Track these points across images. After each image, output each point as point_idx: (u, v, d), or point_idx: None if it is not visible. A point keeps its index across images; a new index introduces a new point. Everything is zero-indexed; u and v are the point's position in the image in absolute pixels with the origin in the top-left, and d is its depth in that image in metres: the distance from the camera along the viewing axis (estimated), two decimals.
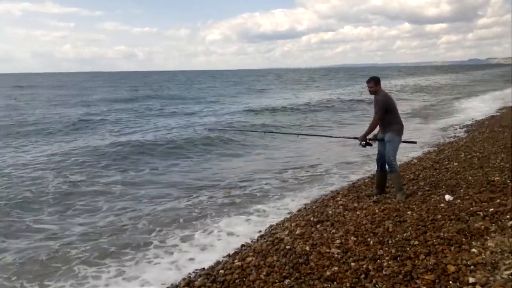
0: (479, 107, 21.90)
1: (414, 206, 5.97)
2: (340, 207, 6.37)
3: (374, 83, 6.30)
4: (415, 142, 7.13)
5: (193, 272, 4.78)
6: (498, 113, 17.76)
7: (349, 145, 11.21)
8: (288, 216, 6.54)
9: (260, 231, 5.96)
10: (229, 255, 5.12)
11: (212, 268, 4.74)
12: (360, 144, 6.48)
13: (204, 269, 4.78)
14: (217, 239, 5.83)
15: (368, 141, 6.43)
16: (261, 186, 8.36)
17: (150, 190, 8.41)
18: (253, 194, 7.91)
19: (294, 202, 7.28)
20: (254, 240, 5.59)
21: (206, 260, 5.08)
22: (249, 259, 4.75)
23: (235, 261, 4.76)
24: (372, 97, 6.42)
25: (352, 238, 4.99)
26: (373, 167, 9.01)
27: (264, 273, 4.34)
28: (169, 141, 13.41)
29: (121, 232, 6.25)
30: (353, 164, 9.73)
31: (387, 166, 6.45)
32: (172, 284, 4.59)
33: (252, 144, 13.04)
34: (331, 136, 9.06)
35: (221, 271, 4.55)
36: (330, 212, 6.17)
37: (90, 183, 8.86)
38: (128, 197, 7.94)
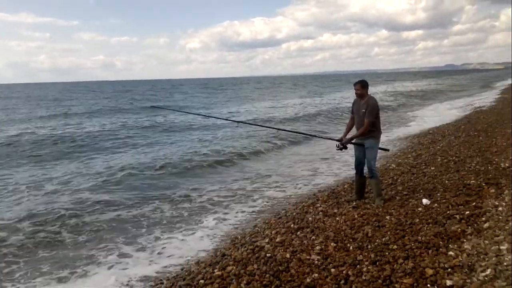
0: (454, 111, 22.33)
1: (392, 210, 6.04)
2: (320, 213, 6.39)
3: (360, 86, 6.34)
4: (387, 150, 7.22)
5: (172, 283, 4.72)
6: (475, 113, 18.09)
7: (301, 159, 11.65)
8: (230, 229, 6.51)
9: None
10: (210, 265, 5.06)
11: (192, 278, 4.68)
12: (338, 146, 6.52)
13: (184, 279, 4.72)
14: (157, 255, 5.70)
15: (345, 144, 6.49)
16: (210, 198, 8.25)
17: (96, 205, 8.01)
18: (202, 206, 7.77)
19: (237, 216, 7.17)
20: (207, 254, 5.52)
21: (146, 277, 5.00)
22: (229, 268, 4.72)
23: (215, 270, 4.72)
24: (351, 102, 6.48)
25: (332, 244, 5.02)
26: (319, 181, 9.07)
27: (245, 282, 4.33)
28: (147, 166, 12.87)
29: (62, 246, 6.12)
30: (301, 177, 9.62)
31: (366, 171, 6.52)
32: None
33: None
34: (315, 136, 9.10)
35: (201, 281, 4.51)
36: (310, 218, 6.19)
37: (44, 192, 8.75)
38: (74, 209, 7.68)
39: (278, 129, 9.86)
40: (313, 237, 5.34)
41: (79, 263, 5.52)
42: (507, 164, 7.84)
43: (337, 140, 6.61)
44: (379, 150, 6.53)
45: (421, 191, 6.91)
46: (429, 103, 30.73)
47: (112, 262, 5.52)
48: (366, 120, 6.23)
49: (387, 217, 5.77)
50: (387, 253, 4.56)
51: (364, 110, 6.26)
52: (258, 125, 13.70)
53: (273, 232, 5.80)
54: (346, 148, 6.53)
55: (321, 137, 8.35)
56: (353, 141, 6.46)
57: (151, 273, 5.11)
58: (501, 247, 4.25)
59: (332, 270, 4.34)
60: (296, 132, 11.58)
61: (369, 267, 4.28)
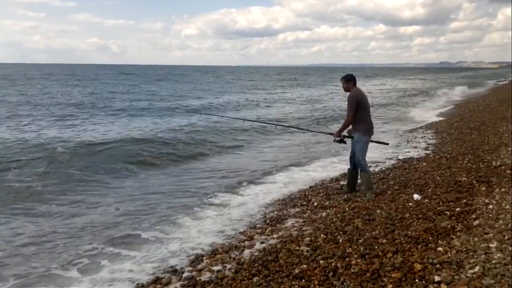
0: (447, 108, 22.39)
1: (383, 204, 6.04)
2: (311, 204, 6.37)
3: (345, 81, 6.44)
4: (387, 144, 7.20)
5: (159, 271, 4.67)
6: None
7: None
8: None
9: None
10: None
11: (181, 267, 4.65)
12: (335, 140, 6.56)
13: (172, 266, 4.68)
14: None
15: (342, 137, 6.49)
16: None
17: None
18: None
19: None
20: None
21: None
22: (218, 256, 4.70)
23: (204, 258, 4.69)
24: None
25: (321, 235, 5.00)
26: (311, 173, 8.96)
27: (233, 270, 4.30)
28: None
29: None
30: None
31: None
32: (138, 284, 4.42)
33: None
34: (308, 130, 9.08)
35: (189, 268, 4.48)
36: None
37: None
38: None
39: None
40: (303, 228, 5.33)
41: None
42: (498, 163, 7.85)
43: (330, 134, 6.68)
44: (379, 144, 6.54)
45: (412, 186, 6.92)
46: (423, 99, 30.76)
47: None
48: (347, 113, 6.33)
49: (378, 211, 5.77)
50: (376, 247, 4.55)
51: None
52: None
53: None
54: (345, 142, 6.54)
55: (321, 132, 8.26)
56: (342, 133, 6.49)
57: None
58: (490, 245, 4.25)
59: (321, 261, 4.32)
60: (296, 128, 11.37)
61: (358, 260, 4.27)
